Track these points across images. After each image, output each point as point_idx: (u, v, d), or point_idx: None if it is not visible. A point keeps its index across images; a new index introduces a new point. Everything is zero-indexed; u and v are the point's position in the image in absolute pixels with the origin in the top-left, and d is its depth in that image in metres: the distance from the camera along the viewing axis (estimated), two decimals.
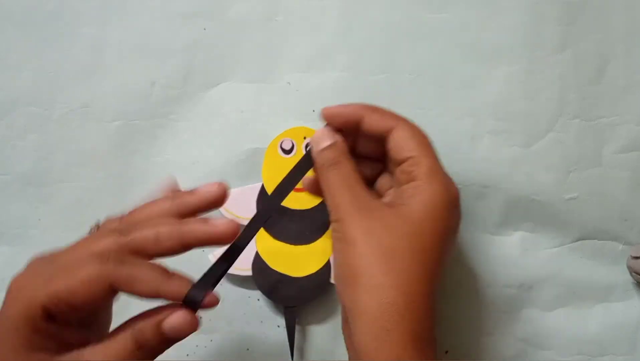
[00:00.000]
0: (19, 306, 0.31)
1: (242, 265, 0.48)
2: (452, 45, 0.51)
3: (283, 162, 0.49)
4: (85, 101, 0.51)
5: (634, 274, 0.51)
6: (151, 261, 0.34)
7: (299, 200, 0.49)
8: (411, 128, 0.39)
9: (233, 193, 0.49)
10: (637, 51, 0.51)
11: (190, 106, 0.51)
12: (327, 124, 0.41)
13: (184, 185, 0.50)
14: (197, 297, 0.34)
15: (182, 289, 0.33)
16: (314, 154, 0.40)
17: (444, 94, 0.51)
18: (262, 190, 0.49)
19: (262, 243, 0.49)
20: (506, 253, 0.52)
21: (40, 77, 0.51)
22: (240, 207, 0.49)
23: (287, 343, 0.48)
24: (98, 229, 0.36)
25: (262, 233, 0.49)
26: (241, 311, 0.50)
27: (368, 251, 0.35)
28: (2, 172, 0.50)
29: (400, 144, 0.38)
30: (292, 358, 0.48)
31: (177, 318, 0.33)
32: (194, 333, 0.50)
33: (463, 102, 0.51)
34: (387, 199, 0.39)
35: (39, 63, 0.51)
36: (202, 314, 0.50)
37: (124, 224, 0.35)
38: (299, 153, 0.50)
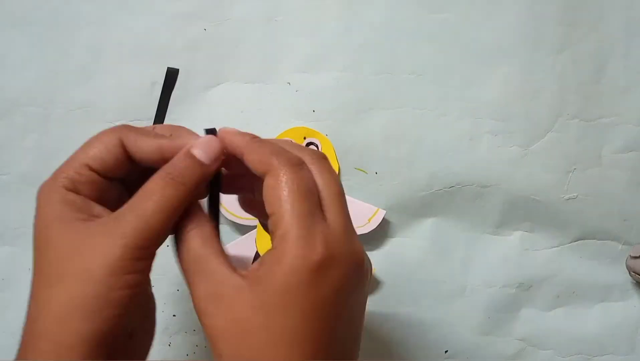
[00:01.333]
0: (48, 183, 0.33)
1: (242, 265, 0.48)
2: (452, 45, 0.51)
3: None
4: (85, 101, 0.51)
5: (633, 274, 0.51)
6: None
7: None
8: (285, 176, 0.31)
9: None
10: (636, 51, 0.51)
11: (190, 106, 0.51)
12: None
13: None
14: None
15: (189, 141, 0.33)
16: (183, 153, 0.33)
17: (444, 94, 0.51)
18: None
19: (262, 243, 0.49)
20: (506, 253, 0.52)
21: (40, 77, 0.51)
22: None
23: None
24: None
25: (262, 233, 0.49)
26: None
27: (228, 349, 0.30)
28: (2, 173, 0.50)
29: (266, 195, 0.31)
30: None
31: (201, 140, 0.33)
32: (194, 333, 0.50)
33: (463, 102, 0.51)
34: (255, 265, 0.31)
35: (39, 63, 0.51)
36: None
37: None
38: None
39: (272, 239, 0.31)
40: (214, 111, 0.51)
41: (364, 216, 0.49)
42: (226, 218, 0.49)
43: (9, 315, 0.51)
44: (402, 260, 0.50)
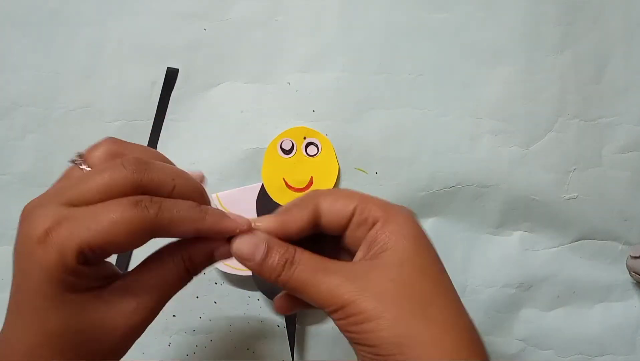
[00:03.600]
0: (51, 254, 0.29)
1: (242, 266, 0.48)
2: (452, 45, 0.51)
3: (283, 162, 0.49)
4: (86, 101, 0.51)
5: (633, 274, 0.51)
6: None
7: None
8: (334, 191, 0.35)
9: (233, 193, 0.49)
10: (636, 51, 0.51)
11: (190, 106, 0.51)
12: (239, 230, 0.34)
13: None
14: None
15: (222, 225, 0.33)
16: (256, 270, 0.33)
17: (444, 94, 0.51)
18: (262, 190, 0.49)
19: None
20: (506, 253, 0.52)
21: (40, 77, 0.51)
22: (241, 207, 0.49)
23: (287, 343, 0.48)
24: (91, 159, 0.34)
25: None
26: (241, 311, 0.50)
27: (392, 316, 0.31)
28: (2, 173, 0.50)
29: (335, 206, 0.34)
30: (293, 358, 0.48)
31: (228, 248, 0.33)
32: (194, 333, 0.50)
33: (463, 102, 0.51)
34: (360, 255, 0.34)
35: (39, 63, 0.51)
36: (201, 314, 0.50)
37: (133, 161, 0.32)
38: (298, 153, 0.50)
39: (368, 226, 0.33)
40: (214, 111, 0.51)
41: None
42: None
43: None
44: None
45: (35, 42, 0.51)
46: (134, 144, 0.34)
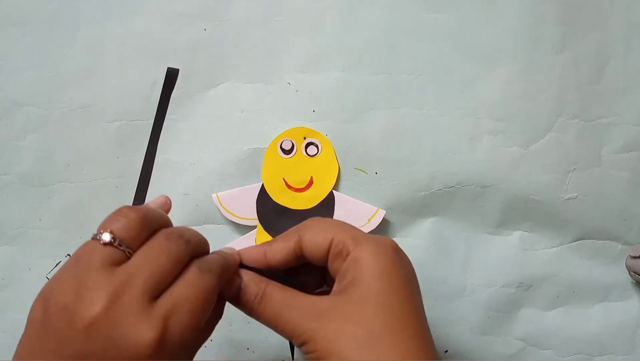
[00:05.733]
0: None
1: None
2: (452, 45, 0.51)
3: (283, 163, 0.49)
4: (86, 101, 0.51)
5: (632, 273, 0.51)
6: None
7: (298, 200, 0.49)
8: (317, 223, 0.37)
9: (233, 193, 0.49)
10: (636, 51, 0.51)
11: (190, 106, 0.51)
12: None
13: (185, 185, 0.50)
14: None
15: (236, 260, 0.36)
16: (235, 304, 0.37)
17: (444, 94, 0.51)
18: (262, 190, 0.49)
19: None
20: (505, 253, 0.52)
21: (40, 77, 0.51)
22: (241, 207, 0.49)
23: (287, 343, 0.48)
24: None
25: (262, 233, 0.49)
26: (240, 310, 0.50)
27: (346, 355, 0.31)
28: (2, 172, 0.50)
29: (315, 238, 0.36)
30: (293, 358, 0.48)
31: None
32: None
33: (463, 102, 0.51)
34: (336, 287, 0.35)
35: (39, 63, 0.51)
36: None
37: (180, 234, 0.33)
38: (298, 153, 0.50)
39: (342, 259, 0.35)
40: (214, 111, 0.51)
41: (363, 216, 0.49)
42: (226, 218, 0.49)
43: (9, 315, 0.51)
44: None
45: (35, 42, 0.51)
46: (148, 208, 0.33)
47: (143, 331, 0.28)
